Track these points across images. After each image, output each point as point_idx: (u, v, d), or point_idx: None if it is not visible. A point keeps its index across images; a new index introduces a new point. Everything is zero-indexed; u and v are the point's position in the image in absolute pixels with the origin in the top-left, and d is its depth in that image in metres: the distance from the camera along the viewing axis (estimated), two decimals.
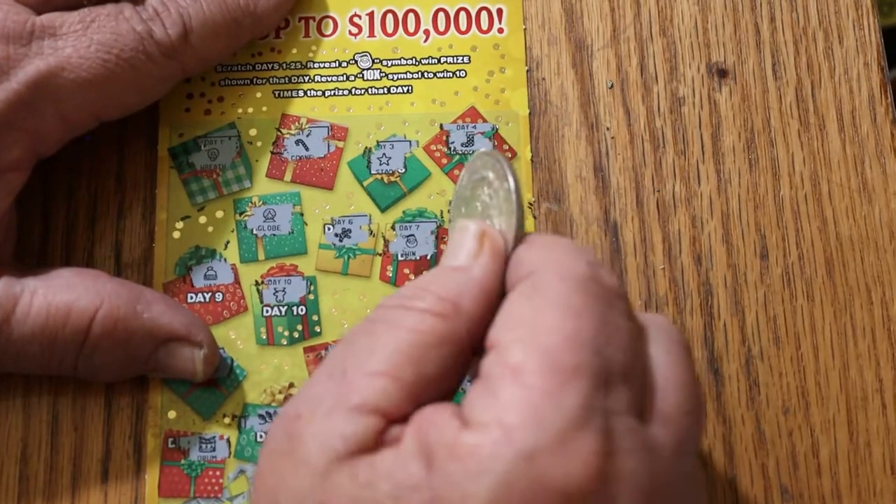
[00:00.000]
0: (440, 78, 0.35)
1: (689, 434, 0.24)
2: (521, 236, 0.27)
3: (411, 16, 0.36)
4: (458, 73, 0.35)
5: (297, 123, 0.35)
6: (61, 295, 0.30)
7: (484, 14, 0.36)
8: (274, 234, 0.34)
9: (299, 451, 0.23)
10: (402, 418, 0.24)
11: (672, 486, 0.23)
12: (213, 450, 0.33)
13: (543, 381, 0.22)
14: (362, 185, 0.35)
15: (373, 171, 0.35)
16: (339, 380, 0.24)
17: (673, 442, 0.24)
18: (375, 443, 0.23)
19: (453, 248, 0.27)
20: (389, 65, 0.36)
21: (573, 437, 0.22)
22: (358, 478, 0.22)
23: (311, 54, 0.36)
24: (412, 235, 0.34)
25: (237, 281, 0.34)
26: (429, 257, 0.34)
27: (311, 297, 0.34)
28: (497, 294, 0.25)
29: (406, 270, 0.34)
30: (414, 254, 0.34)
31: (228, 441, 0.33)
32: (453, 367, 0.24)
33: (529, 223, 0.34)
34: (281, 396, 0.33)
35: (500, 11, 0.36)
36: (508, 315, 0.24)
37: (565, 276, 0.24)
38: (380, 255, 0.34)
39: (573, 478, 0.22)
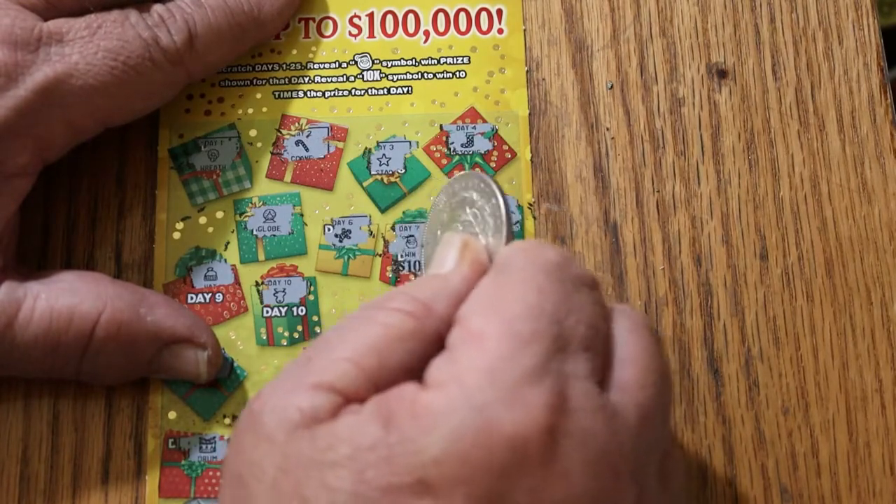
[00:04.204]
0: (440, 78, 0.37)
1: (650, 405, 0.26)
2: None
3: (411, 16, 0.37)
4: (457, 73, 0.37)
5: (297, 124, 0.36)
6: (64, 299, 0.31)
7: (484, 15, 0.37)
8: (274, 235, 0.36)
9: (259, 426, 0.25)
10: (361, 401, 0.25)
11: (637, 453, 0.25)
12: (214, 450, 0.34)
13: (501, 344, 0.24)
14: (362, 186, 0.36)
15: (373, 172, 0.36)
16: (303, 364, 0.26)
17: (635, 411, 0.25)
18: (331, 415, 0.24)
19: (438, 261, 0.29)
20: (389, 65, 0.37)
21: (525, 392, 0.23)
22: (317, 442, 0.24)
23: (311, 55, 0.37)
24: (412, 236, 0.35)
25: (237, 282, 0.35)
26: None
27: (311, 297, 0.35)
28: None
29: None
30: (414, 254, 0.35)
31: (229, 441, 0.34)
32: (419, 363, 0.26)
33: (529, 223, 0.36)
34: None
35: (499, 12, 0.37)
36: (475, 294, 0.26)
37: (533, 261, 0.26)
38: (380, 255, 0.35)
39: (521, 428, 0.23)
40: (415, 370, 0.26)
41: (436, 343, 0.26)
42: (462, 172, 0.32)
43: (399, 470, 0.23)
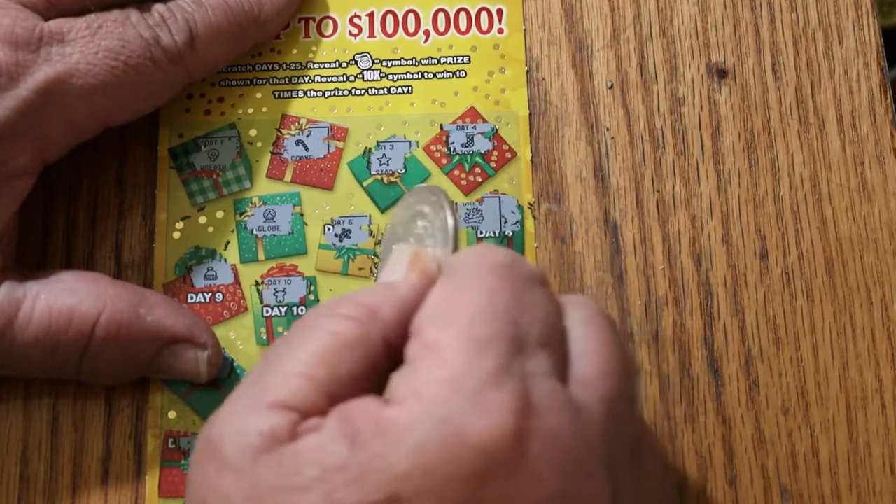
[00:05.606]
0: (440, 78, 0.37)
1: (614, 395, 0.26)
2: None
3: (411, 16, 0.37)
4: (458, 73, 0.37)
5: (297, 124, 0.37)
6: (63, 299, 0.31)
7: (484, 14, 0.37)
8: (274, 235, 0.36)
9: (219, 453, 0.25)
10: (319, 413, 0.25)
11: (607, 446, 0.25)
12: None
13: (458, 352, 0.24)
14: (362, 186, 0.36)
15: (373, 172, 0.36)
16: (256, 383, 0.26)
17: (600, 404, 0.25)
18: (291, 434, 0.24)
19: (388, 271, 0.29)
20: (389, 65, 0.37)
21: (488, 397, 0.23)
22: (283, 467, 0.24)
23: (311, 55, 0.37)
24: None
25: (237, 281, 0.35)
26: None
27: (312, 297, 0.35)
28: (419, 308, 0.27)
29: None
30: None
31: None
32: (368, 370, 0.26)
33: (529, 223, 0.36)
34: None
35: (500, 12, 0.37)
36: (427, 304, 0.26)
37: (480, 263, 0.27)
38: (380, 255, 0.36)
39: (488, 434, 0.23)
40: (365, 377, 0.26)
41: (383, 349, 0.26)
42: (417, 186, 0.32)
43: (369, 489, 0.23)
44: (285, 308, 0.35)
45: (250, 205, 0.36)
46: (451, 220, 0.29)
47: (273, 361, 0.26)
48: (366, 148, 0.36)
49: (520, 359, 0.24)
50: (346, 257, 0.36)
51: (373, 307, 0.26)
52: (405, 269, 0.28)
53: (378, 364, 0.26)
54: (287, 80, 0.37)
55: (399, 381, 0.25)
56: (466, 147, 0.36)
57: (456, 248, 0.28)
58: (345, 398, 0.25)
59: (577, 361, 0.26)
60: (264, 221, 0.36)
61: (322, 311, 0.27)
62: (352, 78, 0.37)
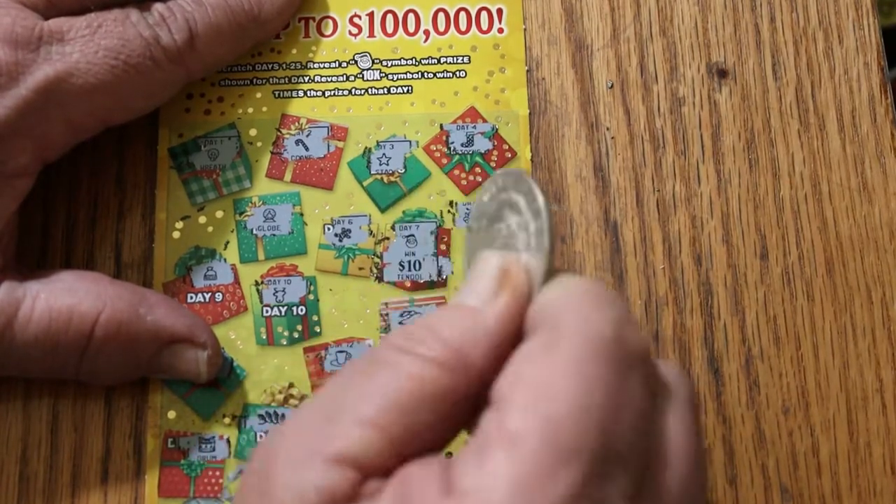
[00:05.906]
0: (440, 78, 0.37)
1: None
2: (550, 275, 0.25)
3: (411, 16, 0.37)
4: (457, 73, 0.37)
5: (296, 124, 0.37)
6: (63, 299, 0.32)
7: (484, 14, 0.37)
8: (274, 235, 0.36)
9: (272, 496, 0.23)
10: (383, 472, 0.23)
11: None
12: (213, 450, 0.34)
13: (538, 457, 0.21)
14: (362, 186, 0.36)
15: (373, 172, 0.36)
16: (323, 423, 0.24)
17: None
18: (350, 496, 0.23)
19: (472, 283, 0.26)
20: (389, 65, 0.37)
21: None
22: None
23: (311, 54, 0.37)
24: (412, 235, 0.36)
25: (237, 281, 0.35)
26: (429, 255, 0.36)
27: (311, 297, 0.35)
28: (511, 342, 0.24)
29: None
30: (414, 254, 0.36)
31: (228, 441, 0.34)
32: (448, 421, 0.24)
33: None
34: (281, 396, 0.34)
35: (500, 11, 0.38)
36: (518, 369, 0.23)
37: (586, 335, 0.23)
38: (379, 255, 0.36)
39: None
40: (442, 428, 0.24)
41: (469, 397, 0.24)
42: (502, 170, 0.30)
43: None
44: (285, 308, 0.35)
45: (250, 205, 0.36)
46: (547, 232, 0.25)
47: (346, 400, 0.24)
48: (366, 148, 0.36)
49: (599, 481, 0.22)
50: (345, 257, 0.36)
51: (460, 348, 0.24)
52: (493, 285, 0.25)
53: (462, 411, 0.24)
54: (287, 79, 0.37)
55: (466, 465, 0.22)
56: (466, 147, 0.36)
57: (550, 260, 0.25)
58: (416, 452, 0.23)
59: (660, 466, 0.24)
60: (264, 221, 0.36)
61: (401, 345, 0.24)
62: (352, 78, 0.37)
